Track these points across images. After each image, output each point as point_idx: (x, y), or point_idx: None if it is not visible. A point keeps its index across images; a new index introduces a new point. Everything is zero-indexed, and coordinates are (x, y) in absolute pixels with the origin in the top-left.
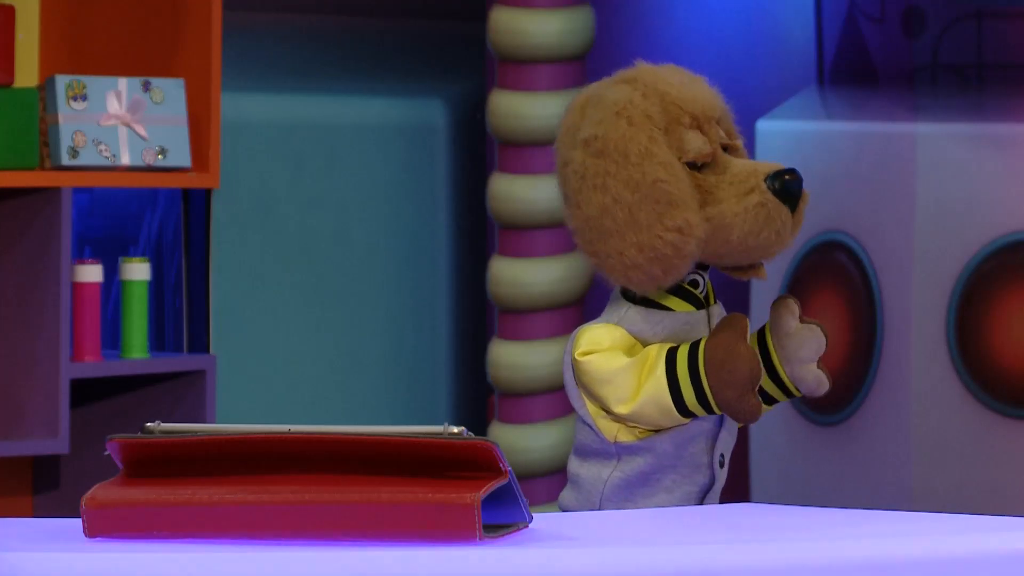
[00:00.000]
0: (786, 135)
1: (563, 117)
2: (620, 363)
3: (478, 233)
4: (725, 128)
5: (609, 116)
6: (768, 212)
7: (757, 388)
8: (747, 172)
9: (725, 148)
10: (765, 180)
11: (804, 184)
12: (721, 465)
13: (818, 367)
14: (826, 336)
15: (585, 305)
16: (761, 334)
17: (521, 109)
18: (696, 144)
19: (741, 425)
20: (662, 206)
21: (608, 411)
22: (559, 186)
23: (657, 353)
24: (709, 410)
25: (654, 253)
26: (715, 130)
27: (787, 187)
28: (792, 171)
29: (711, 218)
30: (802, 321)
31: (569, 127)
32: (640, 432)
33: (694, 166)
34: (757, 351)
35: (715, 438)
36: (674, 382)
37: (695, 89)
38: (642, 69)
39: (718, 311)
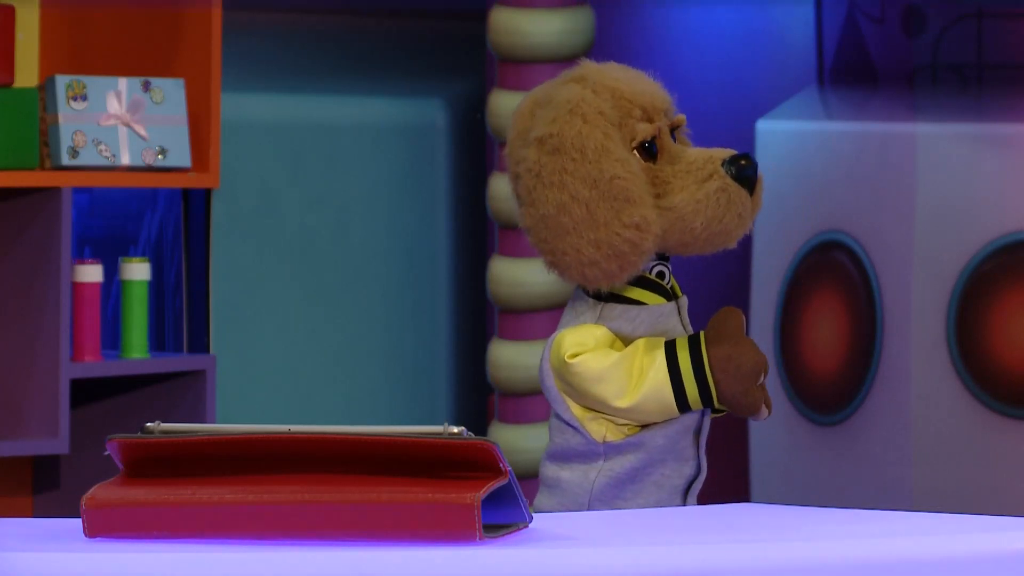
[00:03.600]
0: (786, 135)
1: (512, 121)
2: (611, 359)
3: (478, 233)
4: (673, 121)
5: (563, 114)
6: (729, 197)
7: (760, 381)
8: (703, 159)
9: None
10: (722, 166)
11: (805, 181)
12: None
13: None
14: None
15: None
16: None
17: None
18: (646, 130)
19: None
20: (620, 203)
21: (605, 408)
22: (511, 188)
23: (647, 347)
24: (708, 404)
25: (612, 250)
26: (664, 121)
27: (744, 172)
28: (747, 156)
29: (672, 208)
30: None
31: (520, 130)
32: (629, 429)
33: (649, 156)
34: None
35: (700, 429)
36: (676, 377)
37: (642, 83)
38: (588, 67)
39: (685, 303)
